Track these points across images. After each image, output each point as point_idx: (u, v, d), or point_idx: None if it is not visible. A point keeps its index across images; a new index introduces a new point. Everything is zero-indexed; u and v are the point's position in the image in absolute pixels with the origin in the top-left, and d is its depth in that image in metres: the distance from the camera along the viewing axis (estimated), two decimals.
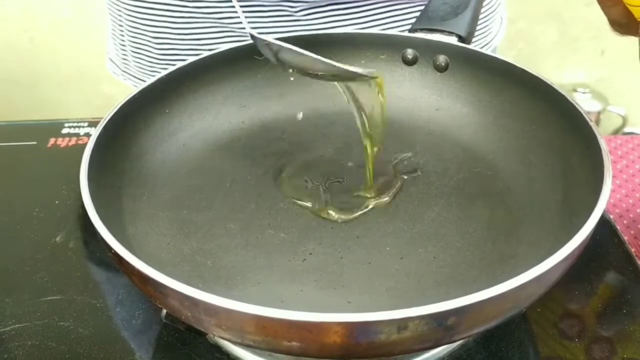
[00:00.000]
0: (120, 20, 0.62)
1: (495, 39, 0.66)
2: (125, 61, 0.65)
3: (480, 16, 0.60)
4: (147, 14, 0.58)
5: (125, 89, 0.42)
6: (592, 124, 0.37)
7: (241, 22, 0.56)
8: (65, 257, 0.44)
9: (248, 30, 0.39)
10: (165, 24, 0.58)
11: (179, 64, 0.45)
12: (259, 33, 0.55)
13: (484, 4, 0.61)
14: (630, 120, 1.36)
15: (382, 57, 0.49)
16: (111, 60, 0.68)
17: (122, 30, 0.62)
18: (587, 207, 0.31)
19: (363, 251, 0.38)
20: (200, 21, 0.57)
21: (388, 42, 0.48)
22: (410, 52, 0.48)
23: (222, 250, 0.38)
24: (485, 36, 0.64)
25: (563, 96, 0.40)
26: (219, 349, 0.37)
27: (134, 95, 0.42)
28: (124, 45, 0.63)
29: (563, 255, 0.28)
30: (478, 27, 0.61)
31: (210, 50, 0.47)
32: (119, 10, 0.61)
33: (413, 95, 0.49)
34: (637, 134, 1.31)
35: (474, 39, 0.60)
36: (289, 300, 0.34)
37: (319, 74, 0.39)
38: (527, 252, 0.37)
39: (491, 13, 0.64)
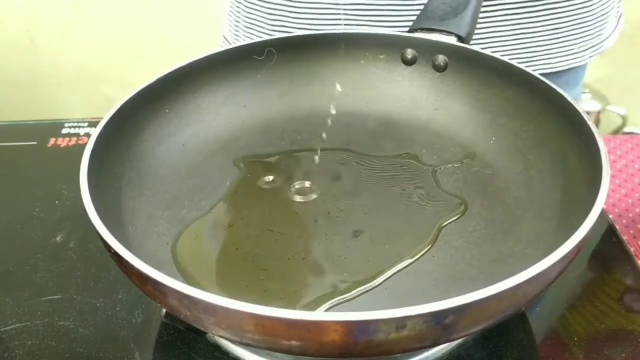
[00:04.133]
0: (238, 6, 0.63)
1: (608, 40, 0.64)
2: (236, 37, 0.65)
3: (594, 16, 0.60)
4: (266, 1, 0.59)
5: (126, 89, 0.42)
6: (590, 123, 0.37)
7: (358, 7, 0.56)
8: (66, 257, 0.44)
9: None
10: (285, 13, 0.58)
11: (179, 64, 0.46)
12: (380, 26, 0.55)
13: (601, 3, 0.60)
14: (630, 120, 1.36)
15: (381, 57, 0.49)
16: (225, 38, 0.68)
17: (238, 6, 0.63)
18: (586, 206, 0.31)
19: (362, 249, 0.38)
20: (317, 2, 0.57)
21: (387, 41, 0.49)
22: (409, 52, 0.48)
23: (221, 249, 0.38)
24: (597, 36, 0.62)
25: (562, 95, 0.40)
26: (218, 348, 0.37)
27: (134, 95, 0.42)
28: (237, 22, 0.64)
29: (561, 254, 0.28)
30: (589, 29, 0.60)
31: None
32: None
33: (412, 95, 0.49)
34: (637, 133, 1.31)
35: (579, 41, 0.60)
36: (288, 298, 0.35)
37: None
38: (525, 251, 0.37)
39: (604, 15, 0.61)
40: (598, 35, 0.62)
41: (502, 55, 0.45)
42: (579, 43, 0.61)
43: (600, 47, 0.63)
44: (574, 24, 0.59)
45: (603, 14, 0.61)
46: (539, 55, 0.59)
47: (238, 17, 0.64)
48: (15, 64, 1.36)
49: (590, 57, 0.62)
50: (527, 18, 0.57)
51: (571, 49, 0.60)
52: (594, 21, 0.61)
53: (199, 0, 1.24)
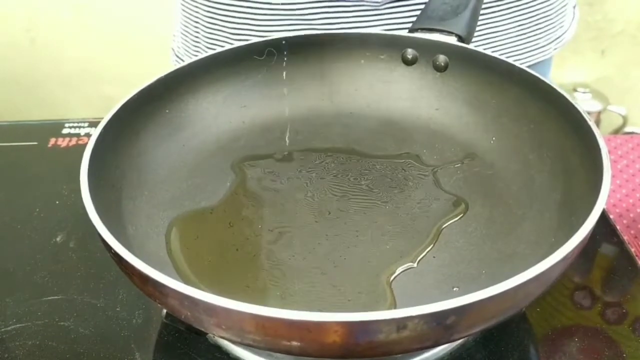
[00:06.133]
0: (196, 17, 0.61)
1: (568, 31, 0.65)
2: (197, 49, 0.64)
3: (555, 8, 0.61)
4: (227, 10, 0.58)
5: (126, 89, 0.42)
6: (591, 123, 0.37)
7: (325, 19, 0.55)
8: (66, 257, 0.44)
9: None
10: (247, 21, 0.57)
11: (179, 65, 0.46)
12: (341, 29, 0.55)
13: None
14: (630, 120, 1.36)
15: (382, 57, 0.49)
16: (179, 58, 0.68)
17: (197, 28, 0.62)
18: (587, 206, 0.31)
19: (363, 250, 0.38)
20: (284, 19, 0.56)
21: (388, 42, 0.49)
22: (410, 52, 0.48)
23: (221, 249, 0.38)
24: (560, 27, 0.63)
25: (562, 95, 0.40)
26: (218, 348, 0.37)
27: (134, 95, 0.42)
28: (197, 42, 0.63)
29: (562, 255, 0.28)
30: (551, 21, 0.61)
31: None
32: (197, 7, 0.61)
33: (413, 95, 0.49)
34: (637, 133, 1.31)
35: (543, 34, 0.61)
36: (289, 299, 0.35)
37: None
38: (526, 251, 0.37)
39: (564, 6, 0.63)
40: (560, 27, 0.64)
41: None
42: (544, 37, 0.62)
43: (562, 39, 0.64)
44: (538, 18, 0.60)
45: (562, 6, 0.63)
46: (507, 53, 0.60)
47: (197, 37, 0.62)
48: (15, 63, 1.36)
49: (555, 49, 0.63)
50: (493, 17, 0.58)
51: (537, 44, 0.61)
52: (555, 13, 0.62)
53: None
